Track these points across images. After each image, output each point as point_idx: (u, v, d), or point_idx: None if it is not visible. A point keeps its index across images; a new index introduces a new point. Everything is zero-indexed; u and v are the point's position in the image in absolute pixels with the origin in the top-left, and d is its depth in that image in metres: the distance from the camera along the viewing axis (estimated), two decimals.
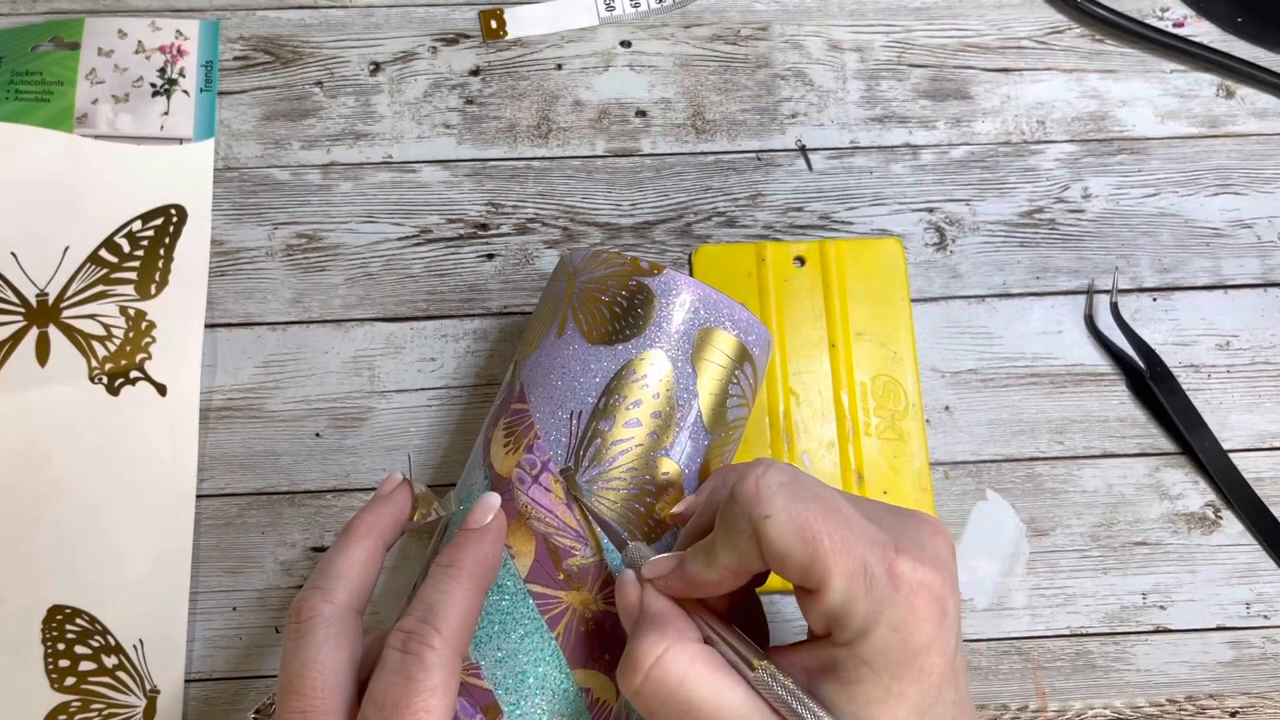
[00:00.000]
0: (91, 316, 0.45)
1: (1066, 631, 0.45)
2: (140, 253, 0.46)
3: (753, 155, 0.50)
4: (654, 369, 0.35)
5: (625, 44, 0.51)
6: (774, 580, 0.39)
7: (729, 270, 0.47)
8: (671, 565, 0.30)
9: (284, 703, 0.29)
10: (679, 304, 0.36)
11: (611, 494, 0.34)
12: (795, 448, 0.45)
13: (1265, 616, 0.45)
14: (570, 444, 0.35)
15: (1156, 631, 0.45)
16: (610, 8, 0.51)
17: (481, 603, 0.31)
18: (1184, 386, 0.47)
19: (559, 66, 0.50)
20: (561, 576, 0.33)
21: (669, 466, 0.35)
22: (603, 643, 0.33)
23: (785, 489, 0.27)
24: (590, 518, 0.34)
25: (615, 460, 0.34)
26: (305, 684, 0.29)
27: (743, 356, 0.37)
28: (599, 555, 0.34)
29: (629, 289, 0.36)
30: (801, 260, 0.47)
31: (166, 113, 0.48)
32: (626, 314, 0.36)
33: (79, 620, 0.42)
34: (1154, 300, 0.48)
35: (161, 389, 0.45)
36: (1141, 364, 0.47)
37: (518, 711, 0.32)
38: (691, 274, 0.47)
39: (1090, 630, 0.45)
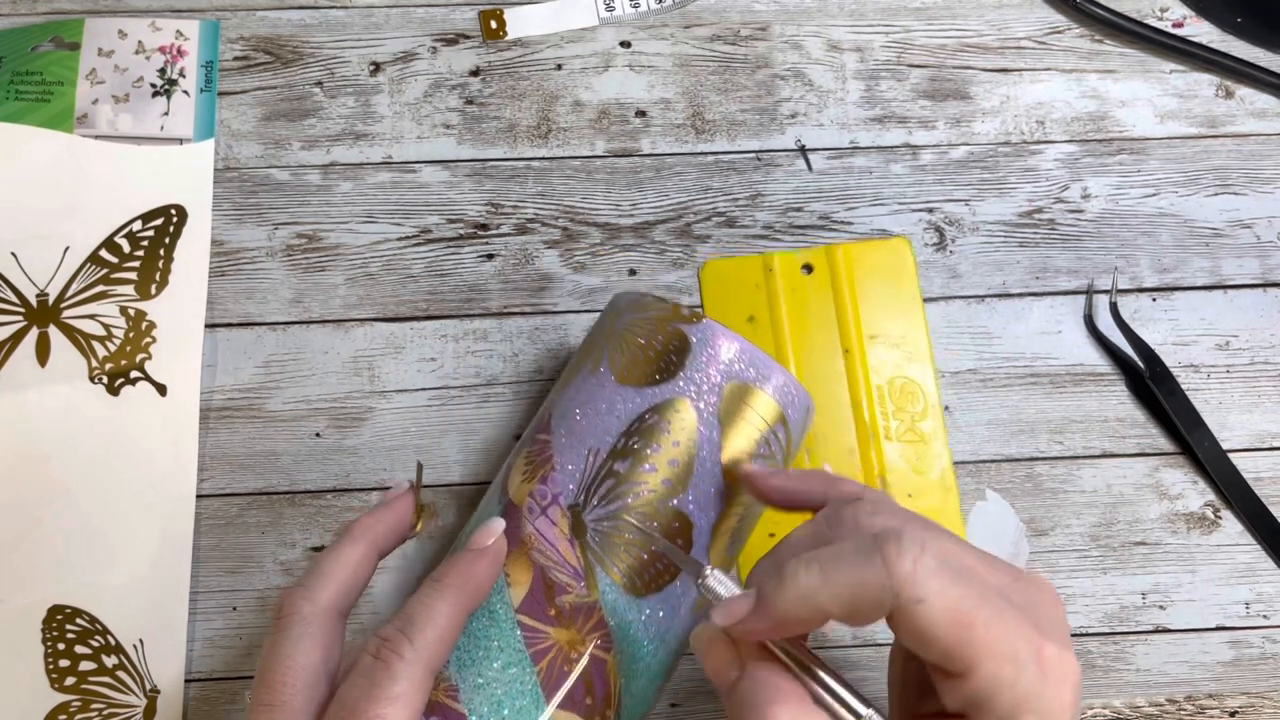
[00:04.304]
0: (92, 316, 0.46)
1: None
2: (140, 253, 0.46)
3: (752, 155, 0.50)
4: (678, 416, 0.34)
5: (625, 44, 0.51)
6: None
7: (737, 283, 0.47)
8: (748, 607, 0.28)
9: (255, 695, 0.30)
10: (713, 355, 0.35)
11: (616, 536, 0.33)
12: (816, 458, 0.45)
13: (1265, 616, 0.45)
14: (583, 480, 0.34)
15: (1156, 631, 0.45)
16: (610, 8, 0.51)
17: (463, 622, 0.31)
18: (1183, 386, 0.47)
19: (559, 67, 0.50)
20: (553, 612, 0.33)
21: (679, 516, 0.34)
22: (585, 687, 0.32)
23: (943, 571, 0.26)
24: (588, 552, 0.33)
25: (625, 502, 0.34)
26: (276, 679, 0.29)
27: (776, 417, 0.36)
28: (594, 596, 0.33)
29: (666, 334, 0.36)
30: (809, 268, 0.47)
31: (166, 113, 0.48)
32: (660, 358, 0.35)
33: (79, 620, 0.42)
34: (1154, 300, 0.48)
35: (162, 389, 0.45)
36: (1141, 364, 0.47)
37: None
38: (700, 290, 0.47)
39: (1090, 630, 0.45)
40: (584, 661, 0.33)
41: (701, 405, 0.35)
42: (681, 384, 0.35)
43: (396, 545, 0.35)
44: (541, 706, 0.32)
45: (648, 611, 0.33)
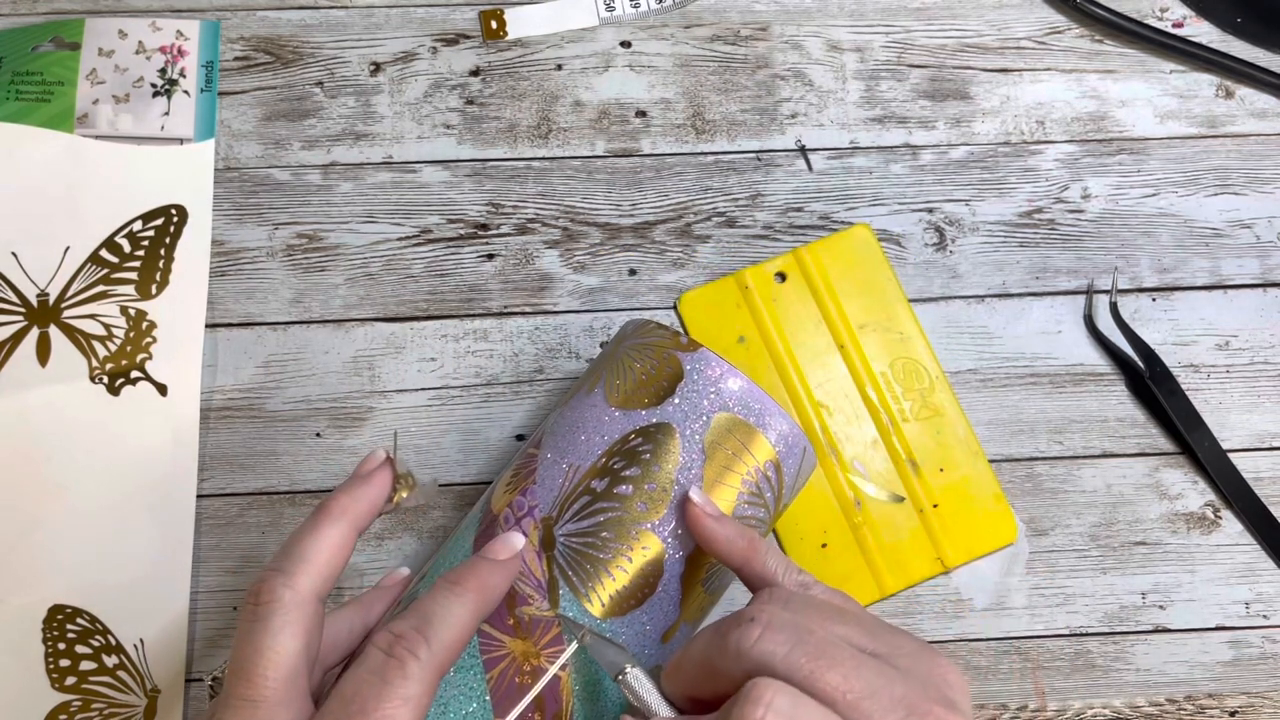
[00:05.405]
0: (92, 316, 0.46)
1: (1066, 631, 0.45)
2: (141, 253, 0.46)
3: (753, 155, 0.50)
4: (661, 441, 0.34)
5: (625, 44, 0.51)
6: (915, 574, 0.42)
7: (717, 308, 0.47)
8: None
9: (233, 689, 0.28)
10: (706, 385, 0.35)
11: (583, 553, 0.33)
12: (843, 458, 0.45)
13: (1264, 616, 0.45)
14: (559, 495, 0.34)
15: (1156, 631, 0.45)
16: (610, 8, 0.51)
17: (474, 630, 0.30)
18: (1183, 386, 0.47)
19: (559, 67, 0.50)
20: (511, 622, 0.32)
21: (651, 541, 0.34)
22: (535, 702, 0.32)
23: None
24: (554, 566, 0.33)
25: (596, 520, 0.34)
26: (256, 672, 0.28)
27: (764, 453, 0.35)
28: (554, 612, 0.33)
29: (661, 359, 0.36)
30: (782, 276, 0.47)
31: (167, 113, 0.48)
32: (651, 383, 0.35)
33: (80, 620, 0.42)
34: (1153, 300, 0.49)
35: (162, 389, 0.45)
36: (1141, 364, 0.47)
37: None
38: (682, 325, 0.47)
39: (1089, 630, 0.45)
40: (535, 675, 0.32)
41: (688, 433, 0.34)
42: (670, 410, 0.35)
43: (374, 520, 0.33)
44: (489, 714, 0.31)
45: (609, 635, 0.33)
